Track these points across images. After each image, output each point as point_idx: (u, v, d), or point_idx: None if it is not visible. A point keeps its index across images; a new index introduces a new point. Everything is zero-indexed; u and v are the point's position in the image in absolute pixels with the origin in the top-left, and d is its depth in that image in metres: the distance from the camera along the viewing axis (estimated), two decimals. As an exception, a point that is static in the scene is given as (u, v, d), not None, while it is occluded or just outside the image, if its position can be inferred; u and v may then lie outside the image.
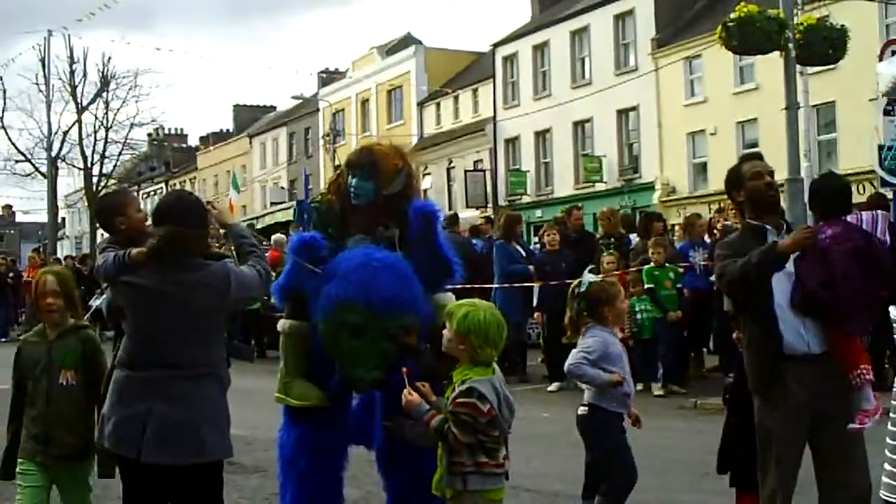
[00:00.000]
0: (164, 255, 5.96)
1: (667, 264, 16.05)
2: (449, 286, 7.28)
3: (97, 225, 6.66)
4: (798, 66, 20.72)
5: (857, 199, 26.60)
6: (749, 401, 6.66)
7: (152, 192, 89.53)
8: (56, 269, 7.45)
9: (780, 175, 16.84)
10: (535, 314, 17.53)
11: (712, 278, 16.20)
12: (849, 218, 6.52)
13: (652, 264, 15.96)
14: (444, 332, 5.85)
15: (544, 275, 16.98)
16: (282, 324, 7.28)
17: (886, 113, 17.62)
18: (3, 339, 35.46)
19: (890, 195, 17.06)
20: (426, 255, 6.91)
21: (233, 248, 6.67)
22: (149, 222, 6.55)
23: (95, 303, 28.07)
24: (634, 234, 18.86)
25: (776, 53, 19.94)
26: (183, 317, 5.93)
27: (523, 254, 18.24)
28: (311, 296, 6.82)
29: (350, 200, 7.15)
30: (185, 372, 5.93)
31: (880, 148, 17.44)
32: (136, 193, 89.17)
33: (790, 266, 6.41)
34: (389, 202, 7.10)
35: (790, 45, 19.50)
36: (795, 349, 6.38)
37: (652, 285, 15.84)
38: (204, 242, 6.27)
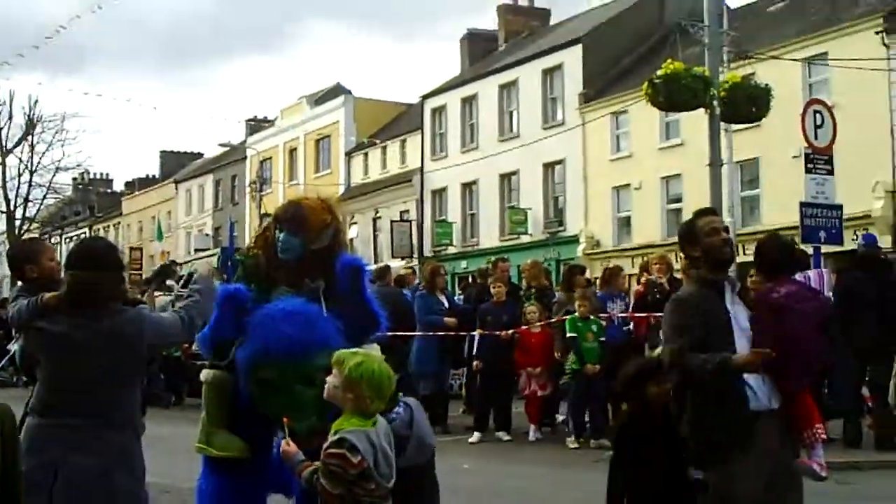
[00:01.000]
0: (76, 299, 5.91)
1: (591, 317, 16.07)
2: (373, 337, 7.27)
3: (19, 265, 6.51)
4: (722, 123, 21.04)
5: (778, 255, 26.56)
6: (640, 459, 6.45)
7: (76, 237, 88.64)
8: None
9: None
10: (475, 363, 17.43)
11: (628, 328, 16.46)
12: (798, 276, 6.57)
13: (576, 314, 15.97)
14: (329, 378, 5.72)
15: (485, 324, 16.99)
16: (205, 374, 7.23)
17: (808, 171, 17.91)
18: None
19: (811, 251, 17.25)
20: (353, 308, 6.92)
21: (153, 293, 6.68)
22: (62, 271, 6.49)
23: (13, 347, 27.56)
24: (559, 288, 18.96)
25: (701, 110, 20.23)
26: (95, 363, 5.84)
27: (445, 304, 18.24)
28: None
29: (277, 254, 7.13)
30: (98, 420, 5.84)
31: (802, 205, 17.76)
32: (51, 241, 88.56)
33: (745, 323, 6.36)
34: (316, 256, 7.08)
35: (715, 103, 19.82)
36: (760, 405, 6.27)
37: (574, 334, 15.82)
38: (117, 288, 6.18)
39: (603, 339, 15.92)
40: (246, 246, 7.05)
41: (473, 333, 17.30)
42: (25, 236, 68.97)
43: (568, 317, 16.03)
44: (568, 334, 15.87)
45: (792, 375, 6.29)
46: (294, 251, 7.07)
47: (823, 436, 6.41)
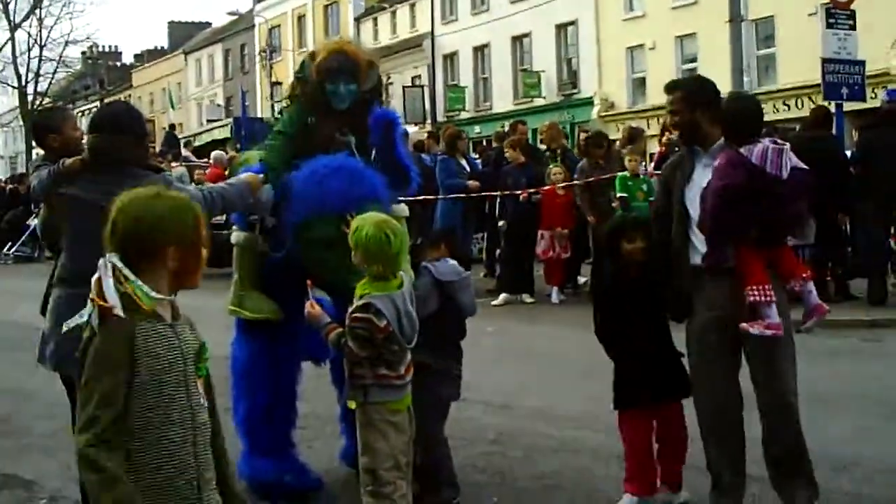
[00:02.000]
0: (98, 162, 5.88)
1: (640, 175, 16.02)
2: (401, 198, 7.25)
3: (32, 144, 6.50)
4: (738, -20, 20.73)
5: (797, 113, 26.86)
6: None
7: (87, 111, 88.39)
8: None
9: (723, 88, 16.91)
10: (500, 223, 17.51)
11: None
12: (742, 150, 6.39)
13: (626, 173, 15.91)
14: None
15: (506, 187, 17.01)
16: (235, 236, 7.22)
17: (829, 27, 17.69)
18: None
19: (833, 108, 17.13)
20: (385, 163, 6.87)
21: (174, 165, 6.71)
22: (85, 141, 6.39)
23: (33, 222, 27.89)
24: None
25: (716, -34, 19.94)
26: None
27: (467, 168, 18.24)
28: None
29: (327, 108, 7.04)
30: None
31: (824, 61, 17.58)
32: (73, 112, 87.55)
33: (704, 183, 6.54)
34: (363, 102, 7.06)
35: (731, -43, 19.49)
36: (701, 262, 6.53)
37: (625, 194, 15.72)
38: (141, 152, 6.12)
39: (652, 198, 15.82)
40: (278, 110, 6.94)
41: (495, 194, 17.33)
42: (37, 111, 68.87)
43: (619, 174, 15.94)
44: (618, 194, 15.77)
45: (707, 243, 6.45)
46: (351, 97, 7.00)
47: (761, 297, 6.36)
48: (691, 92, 6.78)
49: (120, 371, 3.60)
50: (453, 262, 6.90)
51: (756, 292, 6.38)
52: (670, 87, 6.87)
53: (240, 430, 7.19)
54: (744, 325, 6.38)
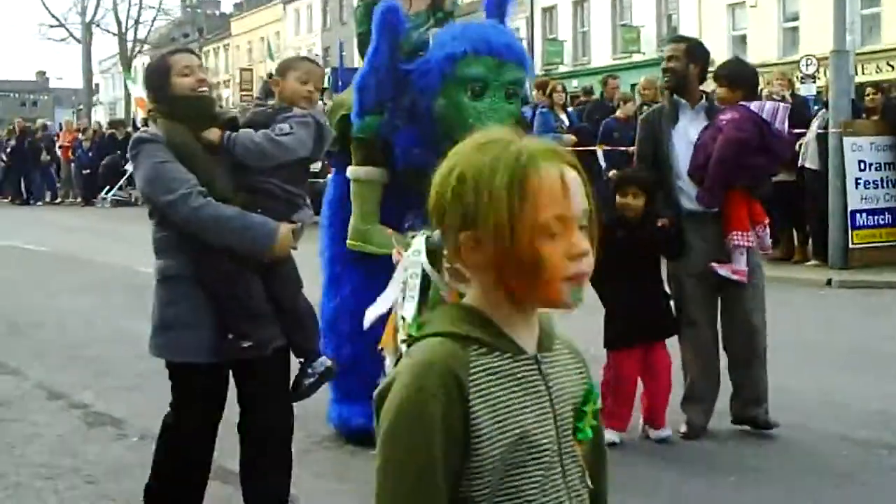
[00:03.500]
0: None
1: None
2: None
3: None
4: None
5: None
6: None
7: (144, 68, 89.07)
8: None
9: (826, 47, 16.67)
10: (611, 173, 17.54)
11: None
12: (752, 106, 7.22)
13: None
14: None
15: (610, 140, 17.00)
16: (354, 171, 7.12)
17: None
18: (39, 203, 35.78)
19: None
20: None
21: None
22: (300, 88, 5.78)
23: (130, 167, 28.14)
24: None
25: (823, -78, 19.56)
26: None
27: (566, 122, 18.17)
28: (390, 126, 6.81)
29: None
30: None
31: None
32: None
33: (695, 136, 7.36)
34: None
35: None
36: (690, 207, 7.35)
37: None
38: None
39: None
40: None
41: (595, 149, 17.26)
42: (136, 58, 69.63)
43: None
44: None
45: (706, 188, 7.23)
46: None
47: (742, 242, 7.19)
48: (692, 47, 7.69)
49: (436, 448, 2.09)
50: None
51: (739, 237, 7.17)
52: (676, 39, 8.02)
53: (328, 377, 7.26)
54: (713, 264, 7.18)
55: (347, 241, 7.08)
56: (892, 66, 33.80)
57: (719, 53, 40.59)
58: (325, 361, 5.70)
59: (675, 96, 7.58)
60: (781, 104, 7.32)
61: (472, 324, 2.18)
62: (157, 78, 5.44)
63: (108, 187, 33.45)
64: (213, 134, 5.35)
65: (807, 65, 25.40)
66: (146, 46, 70.33)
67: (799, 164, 15.54)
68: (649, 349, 7.23)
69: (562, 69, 48.93)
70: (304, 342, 5.62)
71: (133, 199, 33.26)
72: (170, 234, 5.27)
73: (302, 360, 5.66)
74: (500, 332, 2.19)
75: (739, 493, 6.29)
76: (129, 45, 67.57)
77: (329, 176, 7.53)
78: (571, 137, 17.60)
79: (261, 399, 5.50)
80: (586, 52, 49.53)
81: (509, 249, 2.10)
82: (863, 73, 32.09)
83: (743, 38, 41.36)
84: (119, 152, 33.05)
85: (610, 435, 6.78)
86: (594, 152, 17.46)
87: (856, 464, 6.74)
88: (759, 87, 7.80)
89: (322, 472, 6.69)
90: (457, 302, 2.27)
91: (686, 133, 7.41)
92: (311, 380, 5.64)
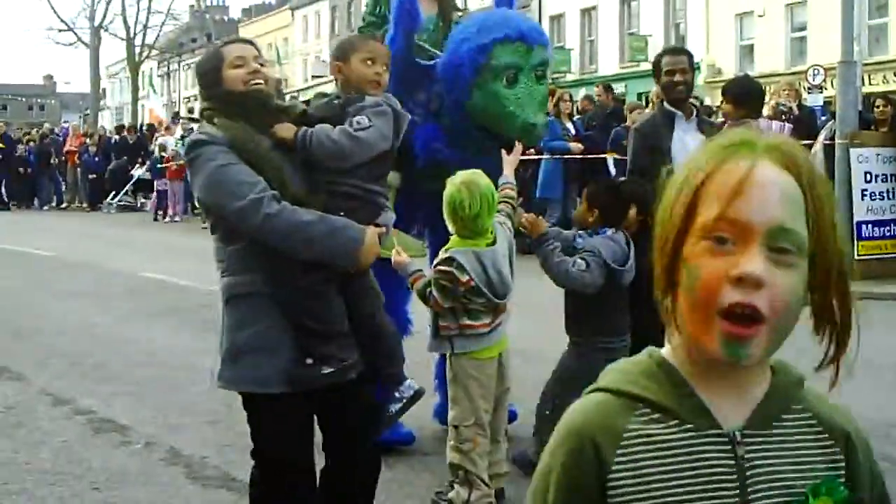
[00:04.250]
0: None
1: None
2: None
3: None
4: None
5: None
6: None
7: (193, 64, 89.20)
8: None
9: (833, 58, 16.67)
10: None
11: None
12: (761, 123, 7.66)
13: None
14: None
15: (619, 148, 17.07)
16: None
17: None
18: (45, 208, 35.86)
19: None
20: None
21: None
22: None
23: (137, 173, 28.20)
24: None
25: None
26: None
27: (572, 131, 18.21)
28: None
29: None
30: None
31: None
32: (168, 69, 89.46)
33: (692, 147, 7.00)
34: None
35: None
36: None
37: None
38: None
39: None
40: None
41: (605, 157, 17.29)
42: (144, 63, 69.71)
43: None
44: None
45: None
46: None
47: None
48: (692, 60, 7.86)
49: None
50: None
51: None
52: (680, 51, 8.04)
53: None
54: None
55: None
56: (900, 77, 33.81)
57: (727, 63, 40.83)
58: (412, 385, 5.05)
59: (668, 106, 7.66)
60: (786, 125, 7.49)
61: (655, 380, 1.81)
62: (209, 72, 4.82)
63: (114, 192, 33.50)
64: (286, 130, 4.77)
65: (814, 75, 25.40)
66: (154, 52, 70.43)
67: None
68: None
69: (569, 77, 48.92)
70: (387, 365, 4.99)
71: (139, 205, 33.34)
72: (238, 247, 4.61)
73: (386, 385, 5.03)
74: (690, 395, 1.79)
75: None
76: (137, 49, 67.59)
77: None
78: (578, 146, 17.65)
79: (345, 440, 4.87)
80: (593, 61, 49.53)
81: (669, 263, 1.76)
82: (870, 84, 32.08)
83: (751, 48, 41.35)
84: (126, 157, 33.12)
85: None
86: (603, 161, 17.50)
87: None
88: (765, 101, 7.91)
89: (325, 480, 6.68)
90: (652, 349, 1.87)
91: (684, 144, 7.43)
92: (398, 406, 5.02)
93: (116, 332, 11.70)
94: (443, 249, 5.88)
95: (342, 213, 4.71)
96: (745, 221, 1.68)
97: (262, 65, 4.87)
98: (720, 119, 7.76)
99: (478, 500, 5.88)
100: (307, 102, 5.42)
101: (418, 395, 5.08)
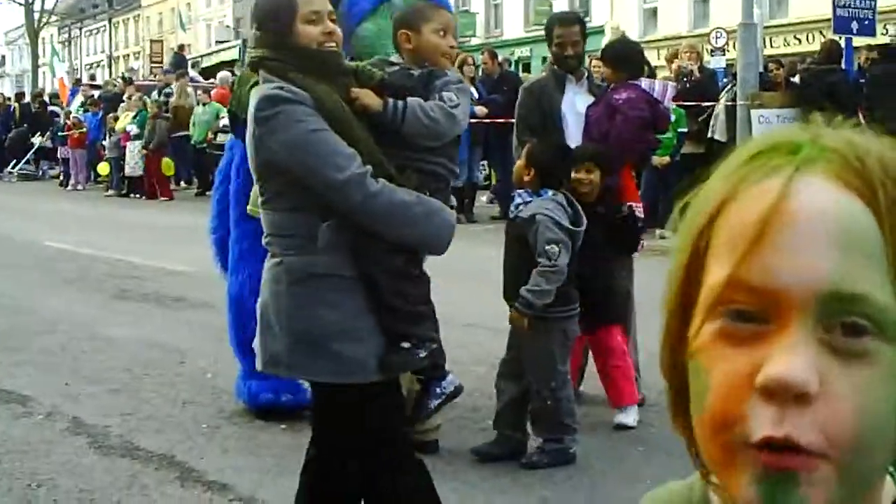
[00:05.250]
0: None
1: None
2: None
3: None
4: None
5: (808, 47, 26.69)
6: None
7: (95, 31, 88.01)
8: None
9: (735, 21, 16.83)
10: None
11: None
12: (643, 84, 7.52)
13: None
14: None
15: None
16: None
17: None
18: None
19: (843, 42, 17.05)
20: None
21: None
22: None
23: (37, 140, 27.73)
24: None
25: None
26: None
27: (475, 94, 18.24)
28: None
29: None
30: None
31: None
32: (70, 36, 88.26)
33: (582, 108, 7.50)
34: None
35: None
36: None
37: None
38: None
39: (684, 129, 15.62)
40: None
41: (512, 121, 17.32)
42: (44, 30, 68.61)
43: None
44: None
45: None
46: None
47: (640, 214, 7.50)
48: (583, 27, 7.92)
49: None
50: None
51: (638, 209, 7.43)
52: (572, 20, 8.07)
53: (236, 353, 7.23)
54: None
55: (248, 207, 6.94)
56: (800, 40, 34.13)
57: (630, 27, 40.97)
58: (454, 380, 4.61)
59: (558, 69, 7.73)
60: (670, 83, 7.73)
61: None
62: (281, 20, 4.26)
63: (14, 161, 33.02)
64: (371, 98, 4.29)
65: (717, 38, 25.61)
66: (53, 17, 69.32)
67: (708, 137, 15.73)
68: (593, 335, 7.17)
69: (474, 42, 48.85)
70: (438, 356, 4.53)
71: (40, 174, 32.91)
72: (315, 222, 4.08)
73: (430, 378, 4.58)
74: None
75: (649, 463, 6.35)
76: (37, 15, 66.52)
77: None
78: (483, 109, 17.67)
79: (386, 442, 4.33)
80: (498, 25, 49.53)
81: (671, 359, 1.14)
82: (771, 47, 32.39)
83: (654, 12, 41.57)
84: (26, 126, 32.65)
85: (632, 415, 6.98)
86: (509, 125, 17.50)
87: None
88: (645, 62, 8.11)
89: (231, 447, 6.66)
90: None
91: (574, 104, 7.55)
92: (438, 401, 4.58)
93: (19, 302, 11.54)
94: None
95: (429, 195, 4.32)
96: (772, 287, 1.01)
97: (334, 22, 4.38)
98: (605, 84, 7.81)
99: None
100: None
101: (458, 391, 4.67)
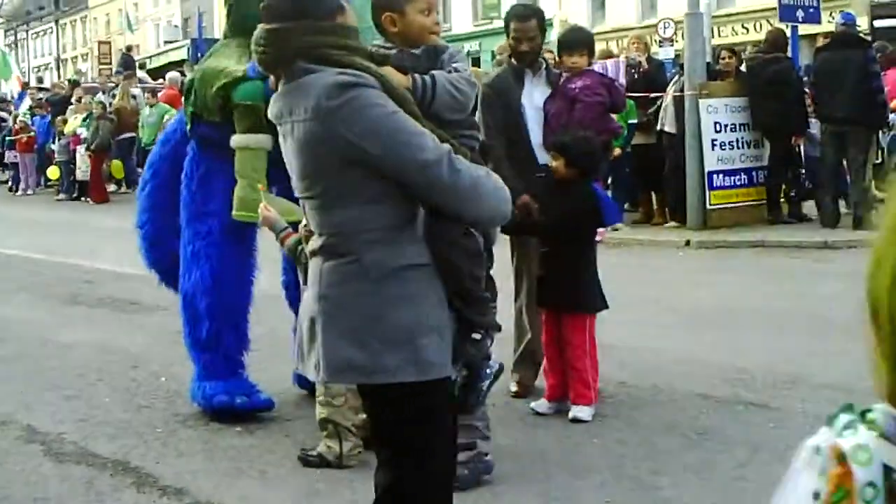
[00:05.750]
0: None
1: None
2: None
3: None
4: None
5: (755, 36, 26.91)
6: None
7: (42, 32, 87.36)
8: None
9: (681, 10, 16.90)
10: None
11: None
12: (596, 67, 7.75)
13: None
14: None
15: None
16: (244, 139, 6.88)
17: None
18: None
19: (789, 30, 17.16)
20: None
21: None
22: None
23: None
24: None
25: None
26: None
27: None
28: None
29: None
30: None
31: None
32: (16, 38, 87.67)
33: (539, 101, 7.53)
34: None
35: None
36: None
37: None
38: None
39: (634, 121, 15.61)
40: None
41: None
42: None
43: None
44: None
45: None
46: None
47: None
48: (542, 19, 7.84)
49: None
50: None
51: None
52: (528, 15, 7.74)
53: (191, 354, 7.22)
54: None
55: (235, 213, 6.90)
56: (748, 29, 34.39)
57: (579, 17, 41.10)
58: (496, 359, 4.43)
59: (516, 63, 7.70)
60: (619, 60, 7.81)
61: None
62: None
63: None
64: (400, 77, 4.26)
65: (664, 28, 25.73)
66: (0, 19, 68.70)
67: (658, 128, 15.78)
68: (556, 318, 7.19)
69: (423, 36, 48.81)
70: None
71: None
72: (395, 210, 3.82)
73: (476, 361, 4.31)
74: None
75: (604, 455, 6.38)
76: (-18, 18, 65.96)
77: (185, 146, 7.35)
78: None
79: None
80: (447, 19, 49.44)
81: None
82: (719, 36, 32.63)
83: (602, 3, 41.74)
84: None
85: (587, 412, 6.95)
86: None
87: (715, 421, 6.87)
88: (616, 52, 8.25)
89: (187, 450, 6.65)
90: None
91: (532, 98, 7.57)
92: (488, 381, 4.33)
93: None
94: None
95: None
96: None
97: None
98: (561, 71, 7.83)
99: (349, 451, 5.96)
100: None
101: (501, 370, 4.47)
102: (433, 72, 4.45)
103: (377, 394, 3.90)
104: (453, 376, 3.99)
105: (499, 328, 4.27)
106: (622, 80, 7.62)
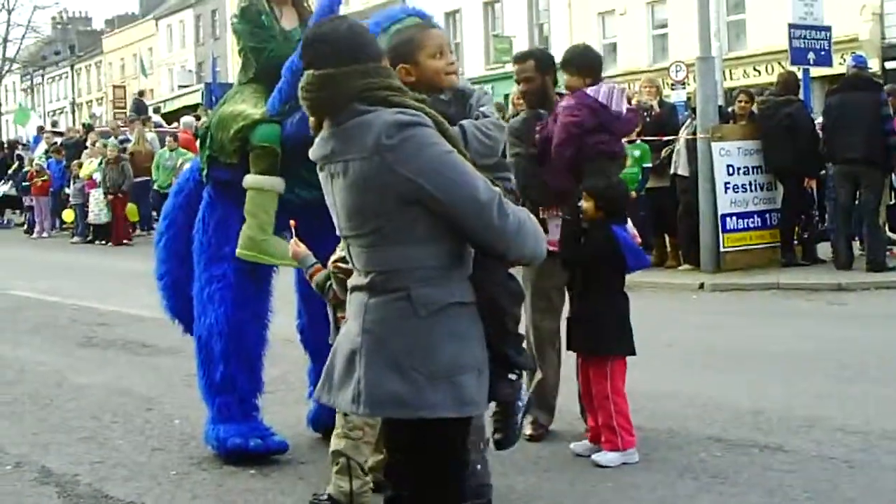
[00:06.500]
0: None
1: (637, 140, 15.42)
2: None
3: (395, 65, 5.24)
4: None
5: (767, 79, 26.89)
6: None
7: (57, 77, 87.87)
8: None
9: (694, 54, 16.95)
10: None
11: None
12: (589, 91, 7.38)
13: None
14: None
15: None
16: (259, 180, 6.94)
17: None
18: None
19: (800, 73, 17.21)
20: None
21: None
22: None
23: (3, 189, 27.52)
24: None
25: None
26: None
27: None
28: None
29: None
30: None
31: (791, 26, 17.64)
32: (32, 82, 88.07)
33: None
34: None
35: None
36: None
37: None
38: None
39: (648, 164, 15.68)
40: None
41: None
42: (6, 77, 68.41)
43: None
44: None
45: (553, 170, 7.41)
46: None
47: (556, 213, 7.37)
48: (541, 60, 7.64)
49: None
50: None
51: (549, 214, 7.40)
52: (524, 57, 7.75)
53: (205, 397, 7.22)
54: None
55: (239, 251, 6.95)
56: (759, 71, 34.43)
57: (591, 62, 40.95)
58: (525, 391, 4.46)
59: (526, 105, 7.79)
60: (616, 86, 7.67)
61: None
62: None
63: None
64: None
65: (676, 71, 25.80)
66: (15, 65, 69.12)
67: (671, 172, 15.79)
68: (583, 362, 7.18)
69: (436, 80, 48.95)
70: None
71: (6, 222, 32.76)
72: (446, 248, 3.87)
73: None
74: None
75: (618, 498, 6.36)
76: (-2, 63, 66.37)
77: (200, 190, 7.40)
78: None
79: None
80: (459, 63, 49.58)
81: None
82: (731, 79, 32.71)
83: (614, 47, 41.84)
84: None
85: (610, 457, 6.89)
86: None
87: (730, 464, 6.83)
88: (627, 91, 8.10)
89: (201, 493, 6.62)
90: None
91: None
92: (521, 414, 4.46)
93: (-16, 353, 11.48)
94: (339, 246, 5.68)
95: None
96: None
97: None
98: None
99: (359, 489, 5.90)
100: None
101: (531, 403, 4.59)
102: (461, 122, 4.46)
103: (410, 427, 3.88)
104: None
105: (534, 369, 4.24)
106: (616, 106, 7.44)
